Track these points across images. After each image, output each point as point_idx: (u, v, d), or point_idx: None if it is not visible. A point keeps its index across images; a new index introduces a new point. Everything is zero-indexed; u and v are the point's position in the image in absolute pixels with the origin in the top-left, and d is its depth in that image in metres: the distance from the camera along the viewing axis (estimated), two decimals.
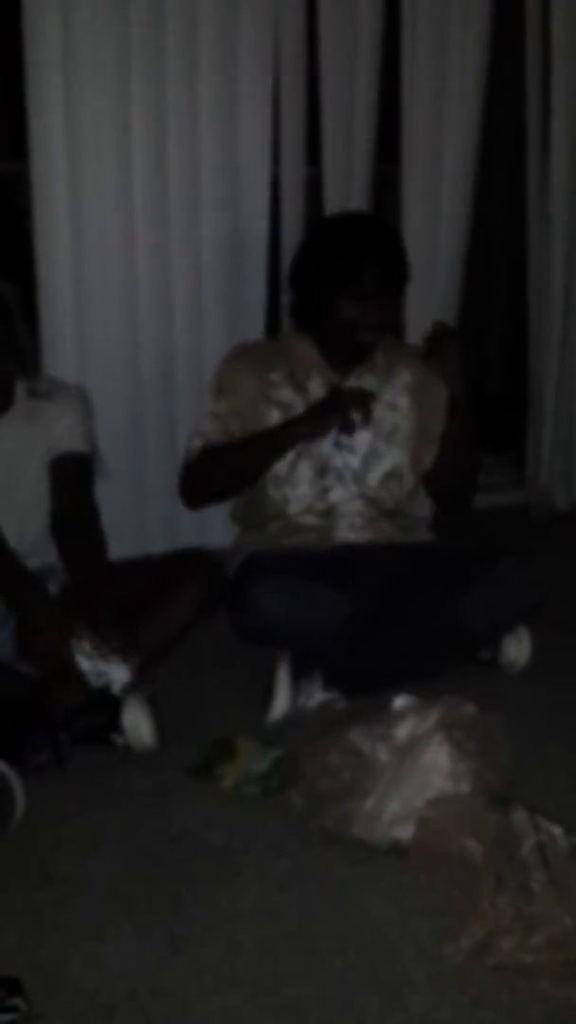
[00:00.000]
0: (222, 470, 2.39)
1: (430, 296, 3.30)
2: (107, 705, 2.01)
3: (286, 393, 2.38)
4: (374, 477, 2.40)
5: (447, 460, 2.42)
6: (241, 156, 2.98)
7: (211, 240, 2.98)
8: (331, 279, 2.29)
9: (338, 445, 2.36)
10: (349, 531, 2.41)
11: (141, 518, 3.02)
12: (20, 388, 2.22)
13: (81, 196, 2.82)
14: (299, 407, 2.36)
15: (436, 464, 2.44)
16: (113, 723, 2.01)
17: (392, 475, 2.42)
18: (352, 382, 2.38)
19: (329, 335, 2.36)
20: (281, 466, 2.36)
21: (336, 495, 2.39)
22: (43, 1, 2.67)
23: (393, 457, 2.42)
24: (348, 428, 2.29)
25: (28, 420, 2.21)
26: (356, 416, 2.25)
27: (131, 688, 2.01)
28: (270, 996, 1.41)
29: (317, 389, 2.39)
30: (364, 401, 2.27)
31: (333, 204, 3.10)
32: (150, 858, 1.73)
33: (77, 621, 1.99)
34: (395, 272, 2.31)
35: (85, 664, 1.98)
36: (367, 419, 2.27)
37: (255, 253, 3.03)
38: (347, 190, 3.12)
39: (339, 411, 2.26)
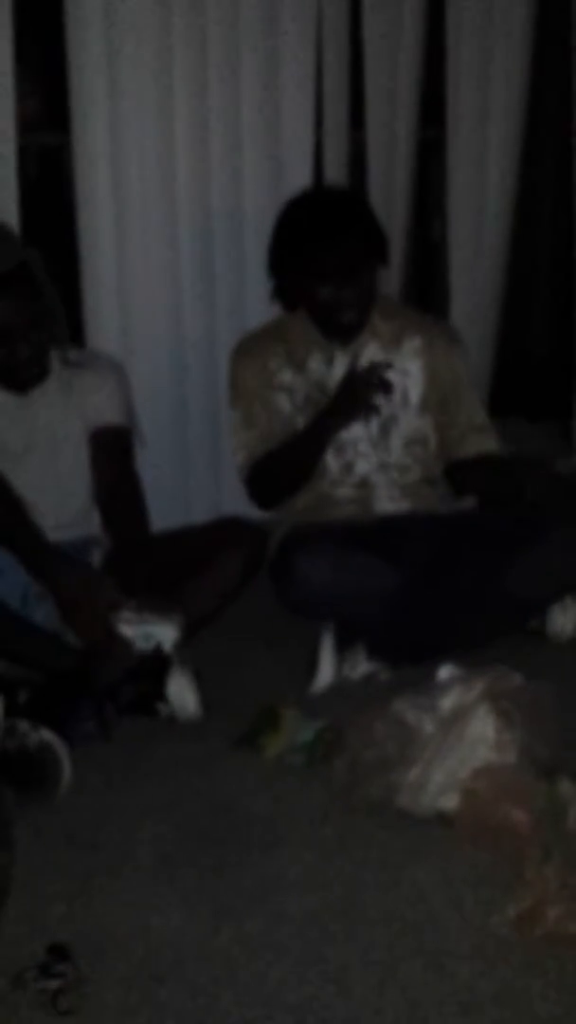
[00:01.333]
0: (277, 478, 2.41)
1: (478, 260, 3.26)
2: (153, 674, 2.03)
3: (287, 376, 2.39)
4: (396, 444, 2.40)
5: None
6: (284, 121, 2.94)
7: (253, 207, 2.95)
8: (300, 266, 2.29)
9: None
10: (389, 502, 2.40)
11: (184, 487, 3.03)
12: (54, 357, 2.22)
13: (123, 165, 2.81)
14: (300, 387, 2.38)
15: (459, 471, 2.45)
16: (158, 693, 2.02)
17: (415, 440, 2.41)
18: (355, 352, 2.37)
19: (314, 316, 2.36)
20: None
21: (362, 467, 2.39)
22: None
23: (412, 422, 2.41)
24: (374, 411, 2.28)
25: (64, 390, 2.21)
26: (377, 399, 2.24)
27: (182, 644, 2.01)
28: (316, 965, 1.41)
29: (316, 365, 2.39)
30: (379, 381, 2.25)
31: (377, 168, 3.07)
32: (196, 827, 1.74)
33: (114, 590, 1.99)
34: (360, 248, 2.28)
35: (130, 631, 1.98)
36: (389, 395, 2.26)
37: None
38: (392, 154, 3.08)
39: (358, 401, 2.26)
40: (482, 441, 2.44)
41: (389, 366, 2.30)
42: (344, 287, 2.27)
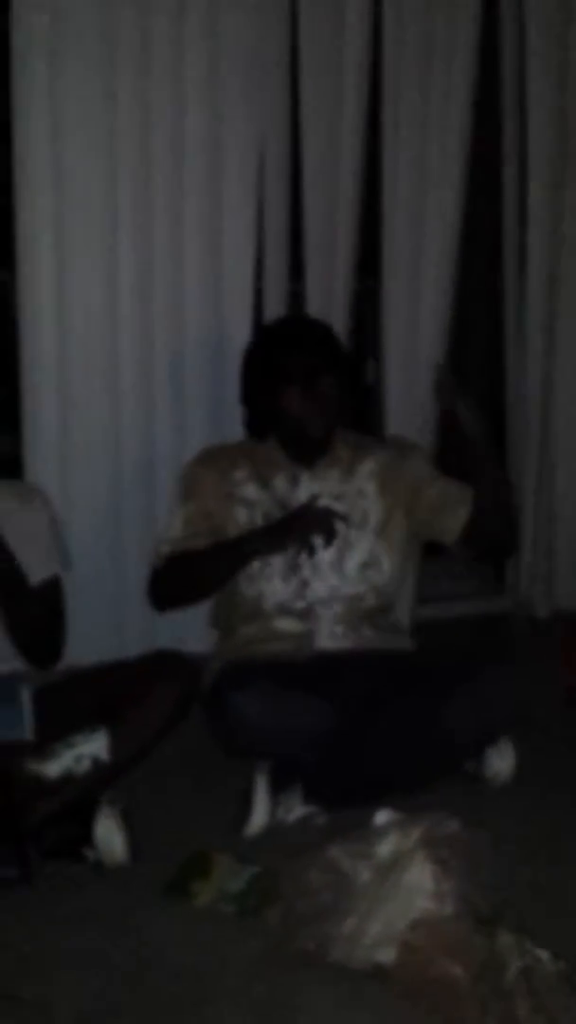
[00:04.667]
0: (187, 578, 2.40)
1: (411, 408, 3.34)
2: (79, 816, 1.96)
3: (250, 490, 2.41)
4: (351, 567, 2.39)
5: (485, 510, 2.34)
6: (225, 270, 3.04)
7: (194, 354, 3.02)
8: (266, 374, 2.37)
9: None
10: (329, 639, 2.38)
11: (119, 622, 3.00)
12: None
13: (67, 305, 2.86)
14: (265, 503, 2.40)
15: (472, 521, 2.35)
16: (85, 836, 1.95)
17: (369, 564, 2.41)
18: (317, 476, 2.42)
19: (284, 437, 2.41)
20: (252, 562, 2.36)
21: (315, 591, 2.37)
22: (32, 113, 2.75)
23: (368, 545, 2.41)
24: (309, 550, 2.28)
25: None
26: (318, 540, 2.26)
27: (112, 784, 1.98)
28: None
29: (282, 484, 2.42)
30: (328, 524, 2.27)
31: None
32: (120, 980, 1.65)
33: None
34: (322, 355, 2.36)
35: (58, 766, 1.93)
36: (329, 542, 2.27)
37: (238, 368, 3.07)
38: (329, 304, 3.18)
39: (300, 534, 2.26)
40: (458, 514, 2.37)
41: (344, 518, 2.32)
42: (308, 393, 2.33)
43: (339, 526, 2.29)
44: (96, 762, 1.96)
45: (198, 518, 2.40)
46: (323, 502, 2.35)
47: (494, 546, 2.52)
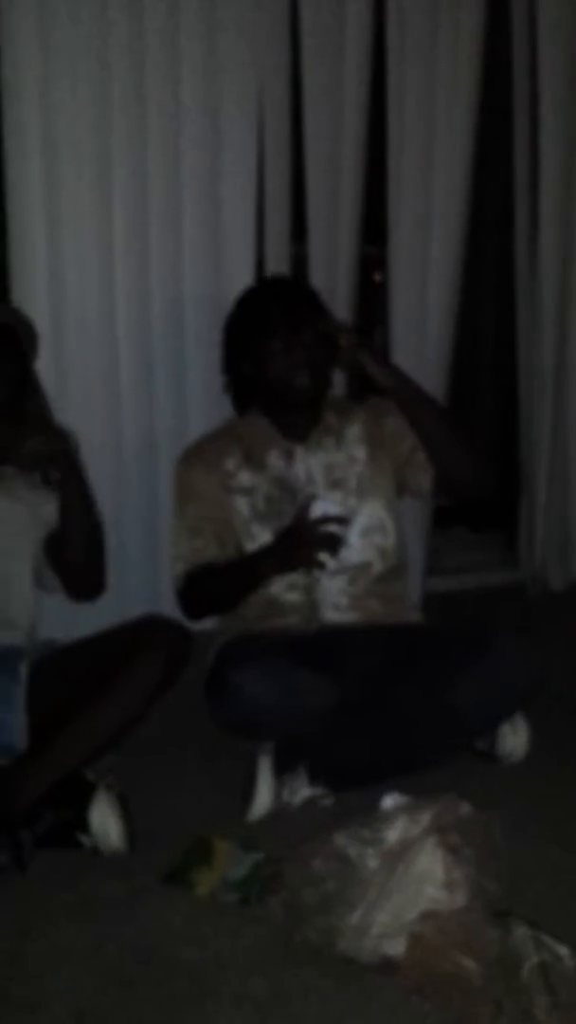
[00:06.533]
0: (209, 598, 2.32)
1: (418, 374, 3.22)
2: (74, 800, 1.88)
3: (245, 477, 2.32)
4: (355, 534, 2.30)
5: (436, 453, 2.27)
6: (225, 233, 2.93)
7: (194, 321, 2.91)
8: (248, 340, 2.29)
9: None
10: (334, 611, 2.30)
11: (121, 589, 2.90)
12: None
13: (61, 274, 2.76)
14: (263, 486, 2.31)
15: (438, 470, 2.29)
16: (80, 822, 1.87)
17: (372, 528, 2.33)
18: (311, 448, 2.34)
19: (271, 401, 2.32)
20: (254, 546, 2.28)
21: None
22: (21, 74, 2.64)
23: (368, 509, 2.33)
24: (318, 566, 2.13)
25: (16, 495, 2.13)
26: (324, 555, 2.10)
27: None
28: None
29: (277, 462, 2.33)
30: (330, 537, 2.09)
31: (319, 282, 3.04)
32: (118, 976, 1.58)
33: None
34: (305, 305, 2.29)
35: None
36: (335, 553, 2.11)
37: None
38: (333, 268, 3.07)
39: (296, 556, 2.12)
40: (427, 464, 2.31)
41: (345, 521, 2.14)
42: (291, 345, 2.23)
43: (341, 530, 2.12)
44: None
45: (200, 522, 2.31)
46: (319, 506, 2.15)
47: (467, 485, 2.31)
